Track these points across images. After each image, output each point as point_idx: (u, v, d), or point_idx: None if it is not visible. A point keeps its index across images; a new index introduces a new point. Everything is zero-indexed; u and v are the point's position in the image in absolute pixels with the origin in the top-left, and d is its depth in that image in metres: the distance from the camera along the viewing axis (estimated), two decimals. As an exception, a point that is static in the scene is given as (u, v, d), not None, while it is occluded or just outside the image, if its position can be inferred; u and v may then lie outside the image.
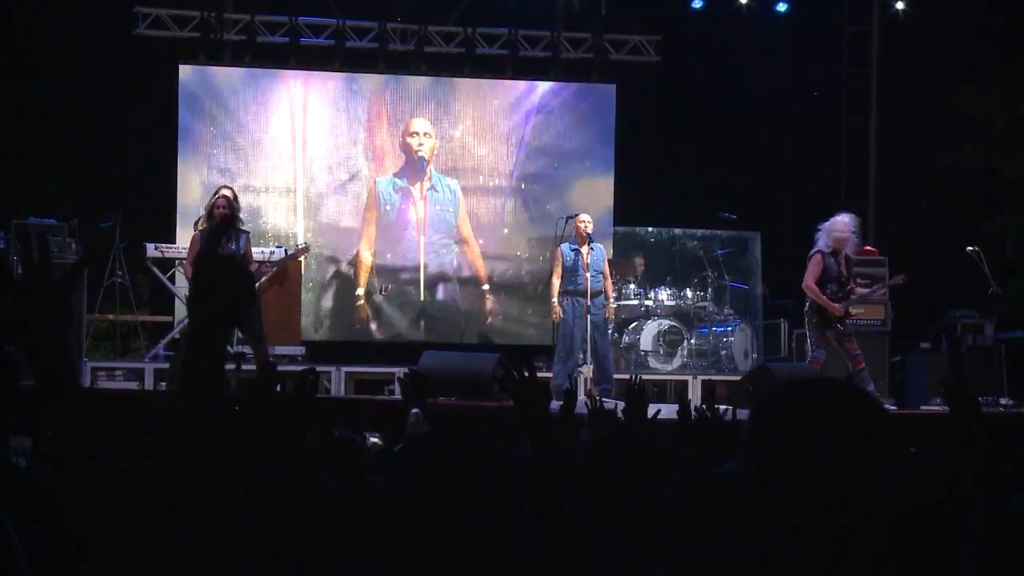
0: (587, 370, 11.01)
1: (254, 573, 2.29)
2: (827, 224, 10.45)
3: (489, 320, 14.55)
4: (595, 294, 10.92)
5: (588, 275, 10.78)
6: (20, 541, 1.82)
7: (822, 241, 10.40)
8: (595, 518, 2.95)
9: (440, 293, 14.40)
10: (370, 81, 14.55)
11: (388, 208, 14.30)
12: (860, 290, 10.65)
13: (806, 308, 10.56)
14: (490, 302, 14.57)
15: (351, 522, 2.38)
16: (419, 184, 14.32)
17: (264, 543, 2.28)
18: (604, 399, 10.61)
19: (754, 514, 1.73)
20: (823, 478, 1.68)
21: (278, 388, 2.53)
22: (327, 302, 14.20)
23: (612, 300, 11.43)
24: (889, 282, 10.65)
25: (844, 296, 10.36)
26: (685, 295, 13.70)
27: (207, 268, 1.72)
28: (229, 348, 11.52)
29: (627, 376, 12.79)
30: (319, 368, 12.49)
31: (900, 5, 15.02)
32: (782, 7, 15.12)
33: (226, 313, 1.66)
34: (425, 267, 14.33)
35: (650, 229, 14.97)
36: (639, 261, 14.02)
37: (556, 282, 11.05)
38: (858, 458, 1.69)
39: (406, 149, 14.35)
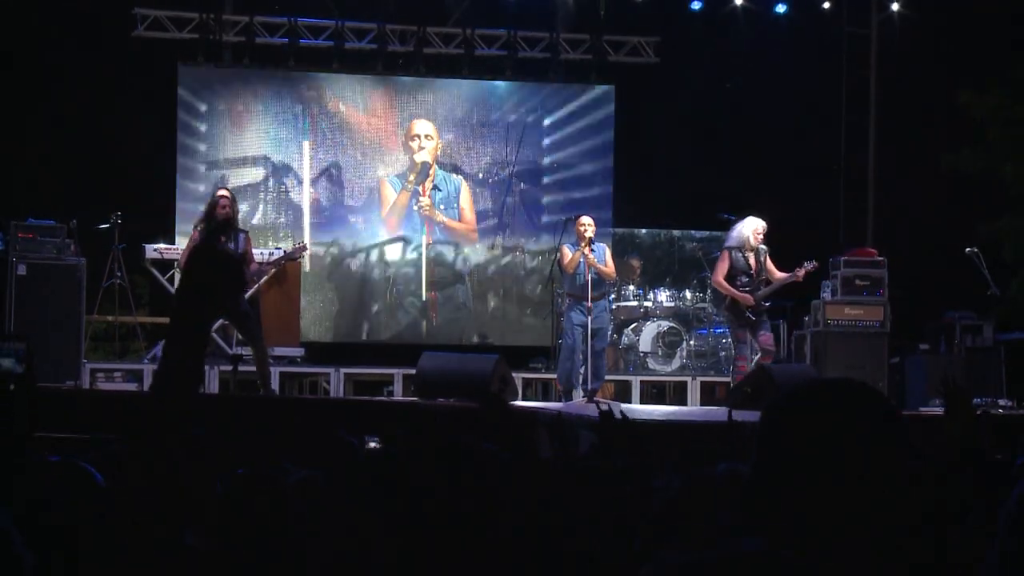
0: (585, 370, 11.00)
1: (252, 572, 2.29)
2: (739, 223, 10.87)
3: (489, 321, 14.55)
4: (596, 297, 10.89)
5: (589, 277, 10.76)
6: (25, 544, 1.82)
7: (730, 239, 10.82)
8: (592, 519, 2.95)
9: (442, 294, 14.39)
10: (369, 82, 14.55)
11: (393, 208, 14.30)
12: (779, 274, 10.80)
13: (723, 306, 10.97)
14: (490, 302, 14.57)
15: (349, 521, 2.39)
16: (422, 185, 14.33)
17: (260, 541, 2.28)
18: (596, 399, 10.67)
19: (763, 515, 1.73)
20: (834, 479, 1.68)
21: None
22: (327, 303, 14.19)
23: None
24: (801, 270, 10.87)
25: (755, 288, 10.60)
26: (684, 296, 13.69)
27: (201, 262, 1.70)
28: (228, 349, 11.53)
29: (625, 377, 12.82)
30: (318, 369, 12.52)
31: (895, 7, 15.02)
32: (781, 8, 15.12)
33: (211, 309, 1.63)
34: (428, 267, 14.33)
35: (649, 230, 14.97)
36: (636, 262, 14.00)
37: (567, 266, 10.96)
38: (869, 459, 1.70)
39: (408, 151, 14.36)
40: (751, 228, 10.78)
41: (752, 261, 10.72)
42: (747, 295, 10.61)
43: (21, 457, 2.59)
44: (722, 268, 10.73)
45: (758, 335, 10.69)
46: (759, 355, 10.74)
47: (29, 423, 2.63)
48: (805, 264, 10.82)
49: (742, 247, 10.72)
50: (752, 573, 1.72)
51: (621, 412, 3.99)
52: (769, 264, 10.89)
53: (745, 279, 10.67)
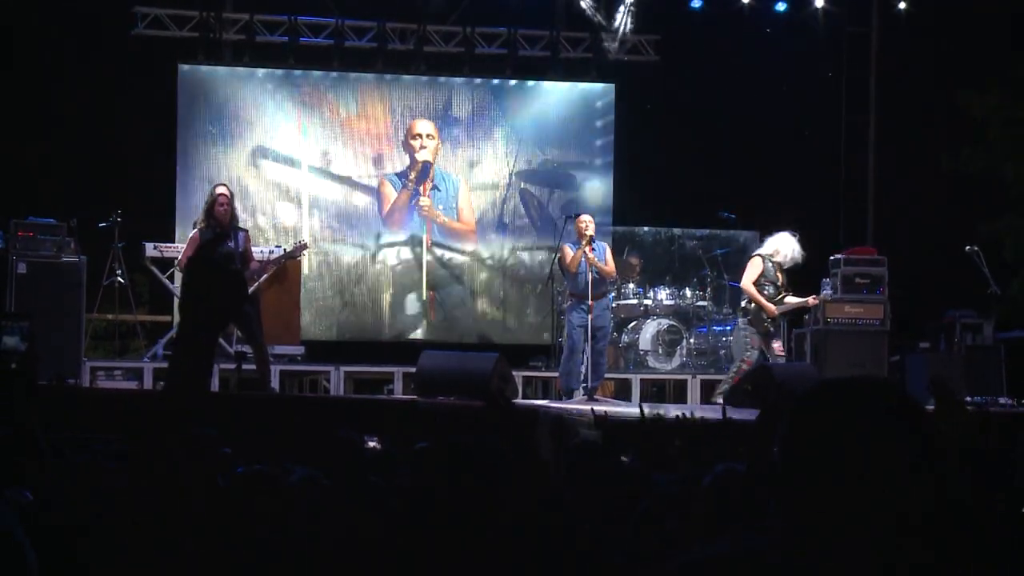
0: (583, 369, 11.01)
1: (252, 573, 2.29)
2: (775, 236, 11.02)
3: (489, 320, 14.55)
4: (598, 296, 10.90)
5: (591, 276, 10.76)
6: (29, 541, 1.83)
7: (765, 248, 10.97)
8: (597, 517, 2.96)
9: (442, 293, 14.40)
10: (369, 81, 14.55)
11: (393, 206, 14.31)
12: (791, 299, 11.03)
13: (742, 307, 11.07)
14: (490, 301, 14.58)
15: (350, 521, 2.39)
16: (423, 185, 14.34)
17: (261, 542, 2.28)
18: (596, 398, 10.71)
19: (786, 511, 1.74)
20: (860, 476, 1.70)
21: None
22: (327, 301, 14.19)
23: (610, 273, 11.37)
24: (817, 296, 11.21)
25: (780, 300, 10.77)
26: (684, 294, 13.69)
27: (199, 273, 1.74)
28: (229, 348, 11.55)
29: (625, 375, 12.82)
30: (318, 368, 12.52)
31: (902, 5, 14.99)
32: (782, 7, 15.11)
33: (214, 318, 1.68)
34: (428, 267, 14.33)
35: (649, 229, 14.96)
36: (635, 260, 14.01)
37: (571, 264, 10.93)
38: (896, 457, 1.71)
39: (409, 150, 14.36)
40: (790, 246, 10.88)
41: (779, 273, 10.84)
42: (772, 306, 10.72)
43: (30, 455, 2.60)
44: (752, 273, 10.80)
45: (771, 343, 10.80)
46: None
47: (29, 406, 2.64)
48: (822, 292, 11.09)
49: (774, 258, 10.82)
50: (757, 572, 1.72)
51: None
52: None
53: (771, 290, 10.79)
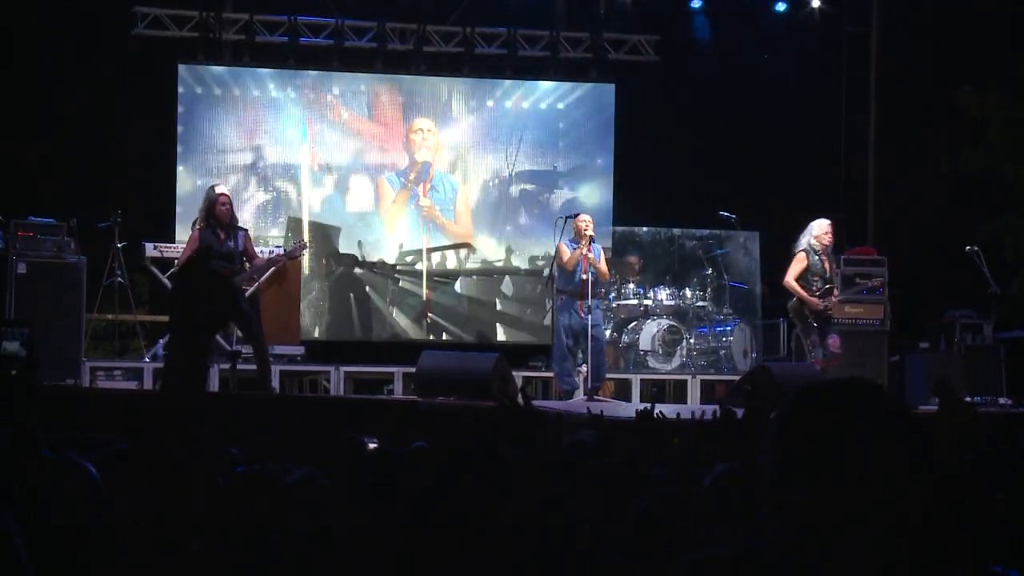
0: (585, 369, 11.02)
1: (254, 572, 2.29)
2: (809, 227, 10.89)
3: (488, 320, 14.56)
4: (594, 295, 10.90)
5: (588, 275, 10.76)
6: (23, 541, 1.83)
7: (804, 240, 10.84)
8: (597, 517, 2.96)
9: (441, 293, 14.40)
10: (369, 81, 14.55)
11: (391, 206, 14.32)
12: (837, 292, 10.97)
13: (791, 305, 10.96)
14: (489, 302, 14.58)
15: (350, 521, 2.39)
16: (422, 185, 14.34)
17: (262, 542, 2.28)
18: (598, 398, 10.70)
19: (786, 511, 1.74)
20: (860, 476, 1.70)
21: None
22: (327, 301, 14.20)
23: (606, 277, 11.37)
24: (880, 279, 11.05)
25: (828, 291, 10.68)
26: (684, 295, 13.70)
27: (196, 276, 1.75)
28: (227, 346, 11.55)
29: (625, 376, 12.82)
30: (318, 368, 12.52)
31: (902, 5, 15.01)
32: (781, 7, 15.12)
33: (208, 321, 1.69)
34: (427, 267, 14.34)
35: (649, 229, 14.97)
36: (634, 260, 14.01)
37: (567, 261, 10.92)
38: (895, 457, 1.72)
39: (408, 148, 14.37)
40: (822, 229, 10.80)
41: (827, 265, 10.75)
42: (816, 300, 10.63)
43: (30, 455, 2.60)
44: (795, 270, 10.73)
45: (826, 340, 10.71)
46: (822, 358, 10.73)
47: (29, 407, 2.64)
48: (873, 280, 11.03)
49: (817, 250, 10.75)
50: (757, 572, 1.73)
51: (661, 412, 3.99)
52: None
53: (820, 283, 10.70)
